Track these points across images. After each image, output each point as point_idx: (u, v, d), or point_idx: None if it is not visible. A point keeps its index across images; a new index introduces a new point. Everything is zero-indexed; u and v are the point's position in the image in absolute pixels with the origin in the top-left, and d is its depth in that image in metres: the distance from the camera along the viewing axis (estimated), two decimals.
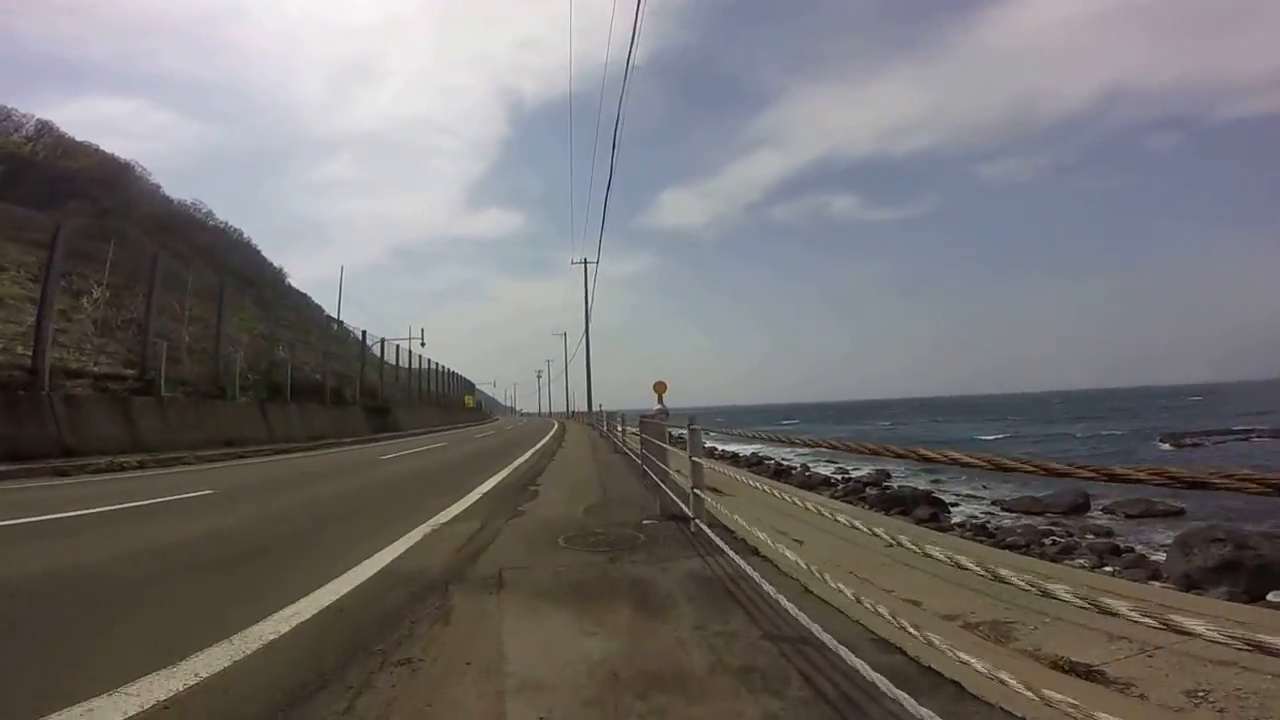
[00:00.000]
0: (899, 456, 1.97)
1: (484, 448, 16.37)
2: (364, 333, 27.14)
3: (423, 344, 38.31)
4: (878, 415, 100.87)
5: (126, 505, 6.15)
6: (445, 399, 40.58)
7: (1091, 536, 11.41)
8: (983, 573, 1.63)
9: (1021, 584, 1.50)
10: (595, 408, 23.60)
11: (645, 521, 5.21)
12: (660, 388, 8.87)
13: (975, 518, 14.09)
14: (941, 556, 1.79)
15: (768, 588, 2.84)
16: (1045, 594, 1.43)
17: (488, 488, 7.73)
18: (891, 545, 2.22)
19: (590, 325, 32.57)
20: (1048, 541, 10.79)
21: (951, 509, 14.71)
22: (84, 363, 12.43)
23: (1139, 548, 10.21)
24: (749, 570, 3.19)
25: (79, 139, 41.81)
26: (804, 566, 2.64)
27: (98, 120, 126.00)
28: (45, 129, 40.97)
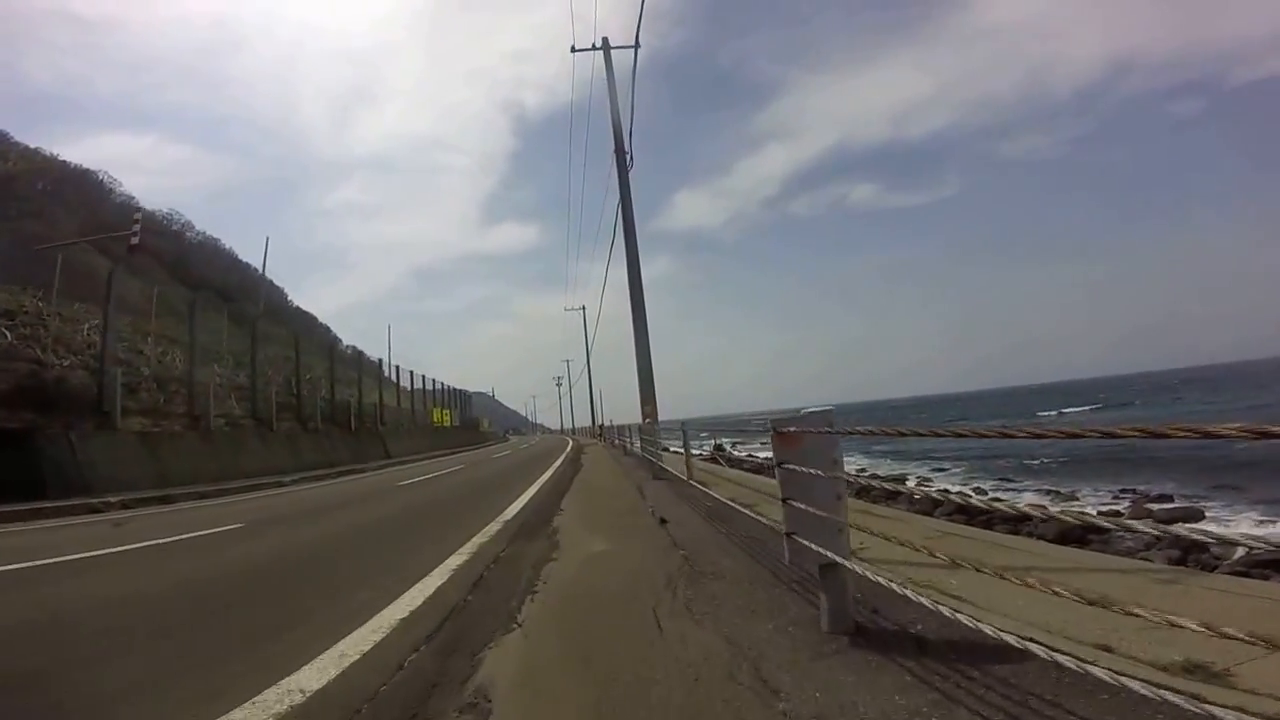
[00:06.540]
0: None
1: None
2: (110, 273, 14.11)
3: (132, 241, 20.98)
4: (1031, 406, 72.76)
5: None
6: (407, 418, 33.76)
7: None
8: None
9: None
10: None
11: None
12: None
13: None
14: None
15: None
16: None
17: None
18: None
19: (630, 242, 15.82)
20: None
21: None
22: None
23: None
24: None
25: (33, 146, 39.78)
26: None
27: (114, 158, 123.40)
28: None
